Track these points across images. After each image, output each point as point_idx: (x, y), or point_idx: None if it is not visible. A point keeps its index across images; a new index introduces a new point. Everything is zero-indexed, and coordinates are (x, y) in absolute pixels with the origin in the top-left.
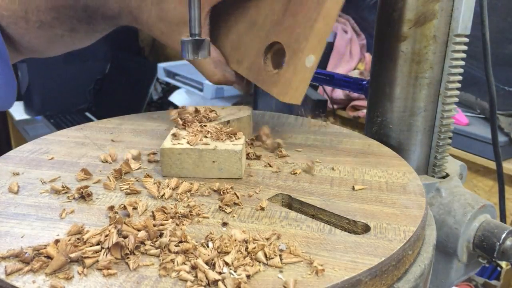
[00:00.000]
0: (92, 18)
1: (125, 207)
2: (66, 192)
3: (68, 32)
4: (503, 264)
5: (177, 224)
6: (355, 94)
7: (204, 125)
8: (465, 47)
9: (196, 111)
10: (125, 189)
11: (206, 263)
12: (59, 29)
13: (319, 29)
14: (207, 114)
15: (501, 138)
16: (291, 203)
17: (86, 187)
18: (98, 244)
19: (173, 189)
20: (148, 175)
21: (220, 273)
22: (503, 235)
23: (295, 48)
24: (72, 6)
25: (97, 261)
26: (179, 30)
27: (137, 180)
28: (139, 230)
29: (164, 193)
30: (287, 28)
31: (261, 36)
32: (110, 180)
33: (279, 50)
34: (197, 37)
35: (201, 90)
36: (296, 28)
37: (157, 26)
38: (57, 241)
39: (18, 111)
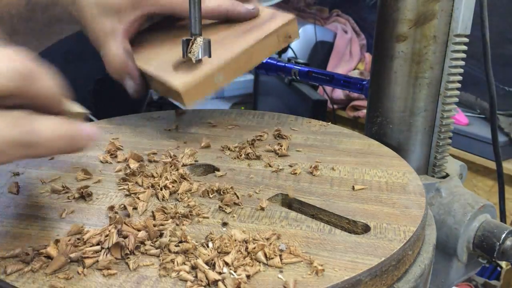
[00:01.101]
0: (50, 23)
1: (125, 207)
2: (66, 192)
3: (8, 35)
4: (503, 264)
5: (177, 224)
6: (355, 94)
7: None
8: (465, 47)
9: None
10: (124, 189)
11: (206, 263)
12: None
13: (235, 60)
14: None
15: (501, 138)
16: (291, 203)
17: (86, 187)
18: (98, 244)
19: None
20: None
21: (220, 273)
22: (503, 235)
23: (212, 60)
24: (31, 9)
25: (97, 261)
26: (107, 14)
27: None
28: (139, 230)
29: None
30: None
31: (180, 50)
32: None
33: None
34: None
35: None
36: (218, 50)
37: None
38: (57, 241)
39: None
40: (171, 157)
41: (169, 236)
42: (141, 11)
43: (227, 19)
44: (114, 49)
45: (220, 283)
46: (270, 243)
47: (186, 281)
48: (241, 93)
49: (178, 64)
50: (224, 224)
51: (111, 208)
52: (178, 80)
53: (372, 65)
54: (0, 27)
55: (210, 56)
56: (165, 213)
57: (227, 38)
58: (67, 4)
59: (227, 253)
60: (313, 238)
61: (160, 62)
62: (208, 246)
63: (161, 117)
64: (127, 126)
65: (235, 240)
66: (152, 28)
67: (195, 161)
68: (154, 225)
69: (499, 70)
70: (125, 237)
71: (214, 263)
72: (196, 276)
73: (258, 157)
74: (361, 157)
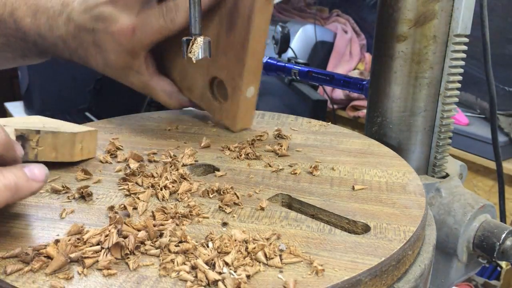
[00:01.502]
0: (43, 53)
1: (125, 207)
2: (66, 192)
3: (20, 58)
4: (503, 264)
5: (177, 224)
6: (355, 94)
7: None
8: (465, 47)
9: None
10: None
11: (206, 263)
12: (10, 54)
13: (249, 66)
14: None
15: (501, 138)
16: (291, 203)
17: (86, 187)
18: (98, 244)
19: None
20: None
21: (220, 273)
22: (503, 235)
23: (233, 85)
24: (23, 39)
25: (97, 261)
26: (125, 73)
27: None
28: (139, 230)
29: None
30: (222, 65)
31: (202, 70)
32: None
33: (222, 82)
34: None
35: None
36: (230, 66)
37: (106, 71)
38: (57, 241)
39: (18, 111)
40: (171, 157)
41: (169, 236)
42: (142, 53)
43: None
44: (160, 99)
45: (220, 283)
46: (270, 243)
47: (186, 281)
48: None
49: (212, 90)
50: (224, 224)
51: (111, 208)
52: (227, 123)
53: (372, 65)
54: (10, 51)
55: (210, 56)
56: (165, 213)
57: (223, 39)
58: (82, 64)
59: (227, 253)
60: (313, 238)
61: (198, 90)
62: (208, 246)
63: (161, 117)
64: (127, 126)
65: (235, 240)
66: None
67: (195, 161)
68: (154, 225)
69: (499, 70)
70: (125, 237)
71: (214, 263)
72: (196, 276)
73: (258, 157)
74: (361, 157)
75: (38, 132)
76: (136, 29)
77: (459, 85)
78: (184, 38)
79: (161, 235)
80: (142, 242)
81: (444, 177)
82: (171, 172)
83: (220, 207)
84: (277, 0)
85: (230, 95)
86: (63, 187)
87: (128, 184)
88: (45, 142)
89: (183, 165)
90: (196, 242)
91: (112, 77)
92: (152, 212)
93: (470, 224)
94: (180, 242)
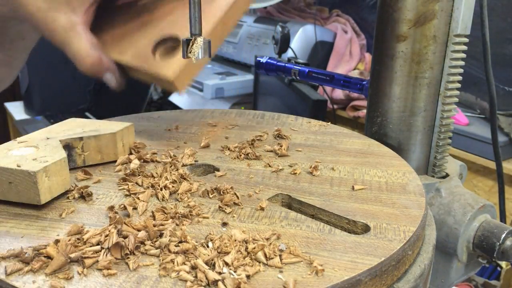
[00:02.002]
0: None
1: (125, 207)
2: (66, 192)
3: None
4: (503, 264)
5: (177, 224)
6: (355, 94)
7: None
8: (465, 47)
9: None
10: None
11: (206, 263)
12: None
13: (216, 30)
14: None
15: (501, 138)
16: (291, 203)
17: (86, 187)
18: (98, 244)
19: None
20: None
21: (220, 273)
22: (503, 235)
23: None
24: None
25: (97, 261)
26: (57, 7)
27: (136, 183)
28: (139, 230)
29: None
30: (183, 26)
31: (153, 32)
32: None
33: (169, 48)
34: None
35: (201, 90)
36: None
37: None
38: (57, 241)
39: (18, 111)
40: (171, 157)
41: (169, 236)
42: None
43: None
44: (81, 47)
45: (220, 283)
46: (270, 243)
47: (186, 281)
48: (241, 93)
49: (156, 49)
50: (224, 224)
51: (111, 208)
52: (166, 69)
53: (372, 65)
54: None
55: (210, 56)
56: (165, 213)
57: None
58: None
59: (227, 253)
60: (313, 238)
61: (135, 50)
62: (208, 246)
63: (161, 117)
64: None
65: (235, 240)
66: (107, 8)
67: (195, 161)
68: (154, 225)
69: (499, 70)
70: (125, 237)
71: (214, 263)
72: (196, 276)
73: (258, 157)
74: (361, 157)
75: (81, 139)
76: None
77: (459, 85)
78: (184, 38)
79: (161, 235)
80: (142, 242)
81: (444, 177)
82: (171, 172)
83: (220, 207)
84: (277, 0)
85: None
86: None
87: (128, 184)
88: (89, 146)
89: (183, 165)
90: (196, 242)
91: (34, 14)
92: (152, 212)
93: (470, 224)
94: (180, 242)
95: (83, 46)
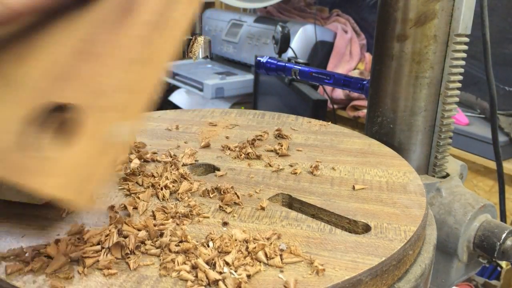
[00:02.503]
0: None
1: (125, 207)
2: None
3: None
4: (503, 264)
5: (177, 224)
6: (355, 94)
7: None
8: (465, 47)
9: None
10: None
11: (207, 263)
12: None
13: (134, 81)
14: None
15: (501, 138)
16: (291, 203)
17: None
18: (98, 243)
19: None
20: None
21: (220, 272)
22: (504, 235)
23: (97, 109)
24: None
25: (98, 261)
26: None
27: (136, 182)
28: (139, 230)
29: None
30: (86, 79)
31: (22, 99)
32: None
33: (62, 124)
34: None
35: (201, 90)
36: (96, 80)
37: None
38: (57, 241)
39: None
40: (171, 157)
41: (170, 235)
42: None
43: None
44: None
45: (220, 283)
46: (271, 243)
47: (186, 280)
48: (241, 93)
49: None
50: (225, 223)
51: (112, 207)
52: (50, 185)
53: (372, 65)
54: None
55: (211, 57)
56: (166, 212)
57: (105, 43)
58: None
59: (228, 252)
60: (314, 238)
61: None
62: (208, 246)
63: (161, 117)
64: None
65: (236, 240)
66: None
67: (195, 160)
68: (155, 225)
69: (499, 70)
70: (126, 236)
71: (215, 262)
72: (196, 276)
73: (258, 157)
74: (362, 157)
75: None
76: None
77: (459, 85)
78: (185, 37)
79: (161, 235)
80: (143, 242)
81: (444, 177)
82: (171, 172)
83: (220, 206)
84: (277, 0)
85: (86, 130)
86: None
87: (128, 184)
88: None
89: (183, 164)
90: (197, 241)
91: None
92: (153, 211)
93: (470, 224)
94: (181, 241)
95: None
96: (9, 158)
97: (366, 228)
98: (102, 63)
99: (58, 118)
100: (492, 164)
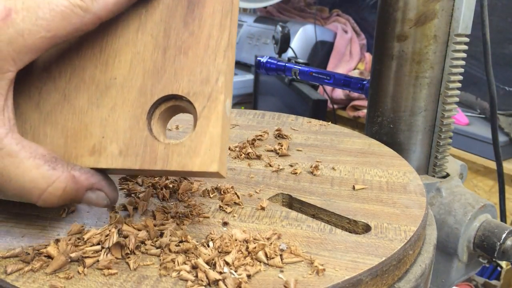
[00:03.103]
0: None
1: (125, 207)
2: None
3: None
4: (503, 264)
5: (177, 224)
6: (355, 94)
7: None
8: (465, 47)
9: None
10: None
11: (207, 263)
12: None
13: (230, 61)
14: None
15: (501, 138)
16: (291, 203)
17: None
18: (98, 243)
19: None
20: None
21: (220, 272)
22: (504, 235)
23: (208, 94)
24: None
25: (98, 260)
26: None
27: (135, 182)
28: (139, 230)
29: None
30: (179, 73)
31: (129, 98)
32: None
33: (166, 112)
34: None
35: None
36: (193, 70)
37: None
38: (57, 241)
39: None
40: None
41: (170, 235)
42: (11, 68)
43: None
44: (29, 176)
45: (220, 283)
46: (271, 243)
47: (186, 280)
48: (241, 93)
49: (152, 123)
50: (225, 223)
51: (112, 208)
52: (197, 163)
53: (372, 64)
54: None
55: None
56: (166, 212)
57: (187, 38)
58: None
59: (228, 252)
60: (314, 238)
61: (114, 139)
62: (208, 246)
63: None
64: None
65: (236, 240)
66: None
67: None
68: (155, 225)
69: (499, 70)
70: (126, 236)
71: (215, 262)
72: (196, 276)
73: (258, 157)
74: (362, 157)
75: None
76: (13, 12)
77: (459, 84)
78: None
79: (161, 235)
80: (143, 242)
81: (444, 177)
82: None
83: (220, 206)
84: (277, 0)
85: (199, 114)
86: None
87: (128, 184)
88: None
89: None
90: (197, 241)
91: None
92: (153, 211)
93: (470, 224)
94: (181, 241)
95: (34, 176)
96: (146, 150)
97: (366, 228)
98: (192, 55)
99: (172, 109)
100: (492, 164)
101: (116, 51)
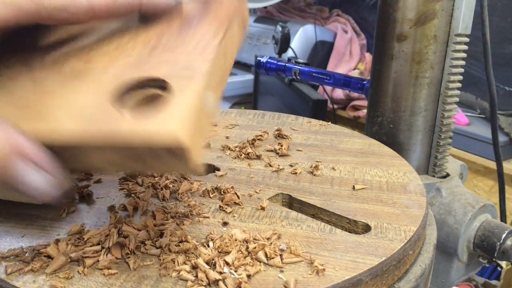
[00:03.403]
0: None
1: (125, 207)
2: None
3: None
4: (503, 264)
5: (177, 224)
6: (355, 94)
7: None
8: (465, 47)
9: None
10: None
11: (207, 263)
12: None
13: (215, 59)
14: None
15: (501, 138)
16: (291, 203)
17: (86, 187)
18: (98, 243)
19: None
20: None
21: (220, 272)
22: (504, 235)
23: (188, 76)
24: None
25: (98, 260)
26: None
27: (136, 182)
28: (139, 230)
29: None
30: (162, 64)
31: (99, 80)
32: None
33: (145, 99)
34: None
35: None
36: (180, 61)
37: None
38: (57, 241)
39: None
40: None
41: (170, 235)
42: None
43: (141, 16)
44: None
45: (220, 283)
46: (271, 243)
47: (186, 280)
48: (241, 93)
49: (122, 102)
50: (225, 223)
51: (112, 208)
52: (164, 125)
53: (372, 65)
54: None
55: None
56: (166, 212)
57: (178, 41)
58: None
59: (228, 252)
60: (314, 238)
61: (78, 108)
62: (208, 246)
63: None
64: None
65: (236, 240)
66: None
67: None
68: (155, 225)
69: (499, 70)
70: (126, 236)
71: (215, 262)
72: (196, 276)
73: (258, 157)
74: (362, 157)
75: None
76: None
77: (459, 85)
78: None
79: (161, 235)
80: (143, 242)
81: (444, 177)
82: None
83: (220, 206)
84: (277, 0)
85: (173, 90)
86: None
87: (128, 184)
88: None
89: None
90: (197, 241)
91: None
92: (153, 211)
93: (470, 224)
94: (181, 241)
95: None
96: (113, 120)
97: (366, 228)
98: (180, 51)
99: (146, 92)
100: (492, 164)
101: (103, 55)
